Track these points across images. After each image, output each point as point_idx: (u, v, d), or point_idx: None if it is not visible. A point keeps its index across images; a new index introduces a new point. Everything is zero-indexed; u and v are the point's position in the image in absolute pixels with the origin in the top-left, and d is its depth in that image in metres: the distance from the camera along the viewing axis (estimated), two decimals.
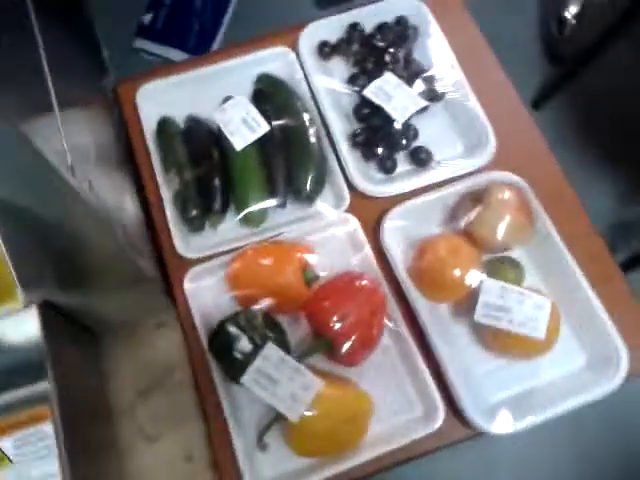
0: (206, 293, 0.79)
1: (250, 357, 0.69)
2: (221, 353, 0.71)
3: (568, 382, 0.74)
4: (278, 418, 0.69)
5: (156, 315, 0.83)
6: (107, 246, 0.62)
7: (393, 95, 0.84)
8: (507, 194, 0.77)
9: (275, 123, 0.84)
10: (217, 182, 0.82)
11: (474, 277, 0.73)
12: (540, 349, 0.72)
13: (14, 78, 0.51)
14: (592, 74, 1.69)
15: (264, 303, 0.73)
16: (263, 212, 0.82)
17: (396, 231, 0.80)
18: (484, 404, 0.73)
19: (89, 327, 0.80)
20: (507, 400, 0.73)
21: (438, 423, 0.71)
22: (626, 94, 1.73)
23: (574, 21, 1.85)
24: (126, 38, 1.83)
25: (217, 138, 0.85)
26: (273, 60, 0.92)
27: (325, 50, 0.92)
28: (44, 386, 0.62)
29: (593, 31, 1.61)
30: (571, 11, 1.87)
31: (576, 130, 1.70)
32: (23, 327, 0.62)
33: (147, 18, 1.85)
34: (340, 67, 0.93)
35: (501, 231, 0.75)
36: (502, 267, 0.76)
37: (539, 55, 1.86)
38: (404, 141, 0.85)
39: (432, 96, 0.87)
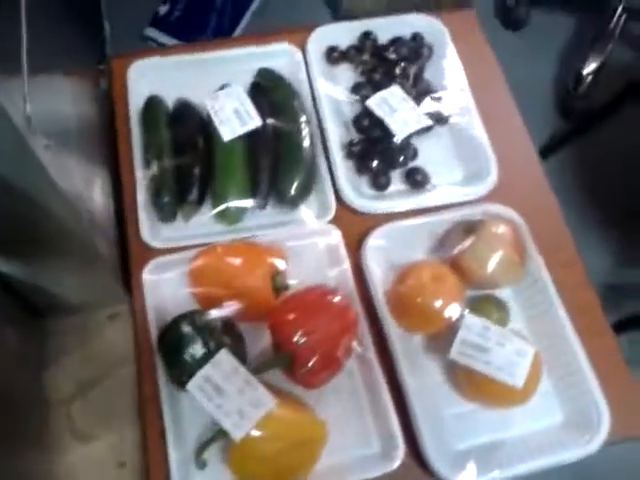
0: (166, 288, 0.73)
1: (200, 362, 0.62)
2: (170, 353, 0.65)
3: (542, 439, 0.67)
4: (222, 434, 0.62)
5: (110, 305, 0.77)
6: (60, 216, 0.57)
7: (397, 109, 0.79)
8: (502, 229, 0.72)
9: (269, 120, 0.79)
10: (197, 171, 0.76)
11: (455, 311, 0.68)
12: (516, 399, 0.66)
13: None
14: (603, 132, 1.67)
15: (226, 306, 0.67)
16: (241, 210, 0.76)
17: (379, 251, 0.75)
18: (448, 451, 0.66)
19: (36, 308, 0.74)
20: (474, 450, 0.67)
21: (396, 464, 0.64)
22: (635, 156, 1.70)
23: (590, 77, 1.83)
24: (138, 25, 1.79)
25: (205, 126, 0.80)
26: (278, 56, 0.88)
27: (334, 54, 0.88)
28: None
29: (607, 91, 1.59)
30: (589, 68, 1.86)
31: (580, 185, 1.67)
32: None
33: (163, 9, 1.81)
34: (346, 74, 0.89)
35: (491, 266, 0.70)
36: (487, 305, 0.71)
37: (553, 107, 1.84)
38: (401, 159, 0.80)
39: (437, 117, 0.83)
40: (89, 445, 0.71)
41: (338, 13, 1.79)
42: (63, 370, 0.74)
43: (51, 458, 0.70)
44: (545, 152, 1.72)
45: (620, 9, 1.72)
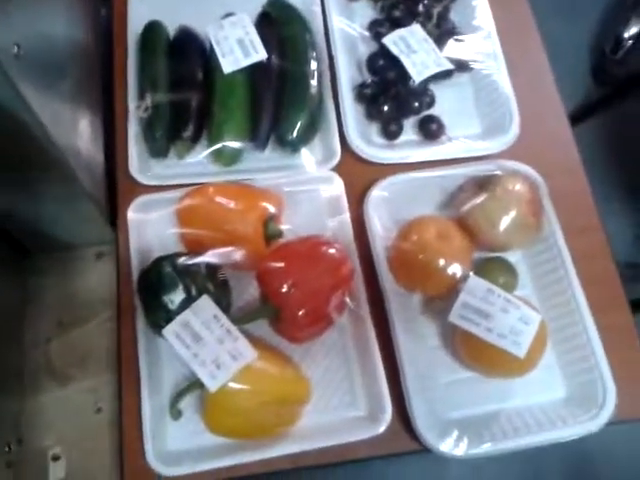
0: (151, 227, 0.68)
1: (180, 307, 0.58)
2: (149, 295, 0.61)
3: (541, 414, 0.63)
4: (197, 385, 0.59)
5: (97, 243, 0.73)
6: (39, 145, 0.52)
7: (416, 49, 0.73)
8: (518, 186, 0.66)
9: (275, 54, 0.73)
10: (194, 105, 0.71)
11: (459, 271, 0.62)
12: (516, 369, 0.62)
13: None
14: (637, 102, 1.58)
15: (213, 251, 0.62)
16: (238, 151, 0.71)
17: (384, 203, 0.69)
18: (438, 419, 0.62)
19: (21, 245, 0.70)
20: (466, 420, 0.63)
21: (382, 428, 0.60)
22: None
23: (630, 42, 1.73)
24: None
25: (206, 56, 0.74)
26: None
27: None
28: None
29: None
30: (630, 31, 1.75)
31: (609, 154, 1.59)
32: None
33: None
34: (365, 9, 0.82)
35: (502, 226, 0.64)
36: (494, 268, 0.66)
37: (587, 70, 1.74)
38: (416, 105, 0.74)
39: (459, 62, 0.76)
40: (66, 388, 0.69)
41: None
42: (44, 309, 0.72)
43: (28, 398, 0.68)
44: (575, 118, 1.63)
45: None
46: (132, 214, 0.68)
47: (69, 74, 0.64)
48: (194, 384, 0.59)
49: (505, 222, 0.64)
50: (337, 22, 0.78)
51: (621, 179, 1.56)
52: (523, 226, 0.65)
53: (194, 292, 0.59)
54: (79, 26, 0.72)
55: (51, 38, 0.61)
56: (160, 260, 0.61)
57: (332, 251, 0.63)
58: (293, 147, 0.72)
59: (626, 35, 1.73)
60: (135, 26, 0.77)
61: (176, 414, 0.61)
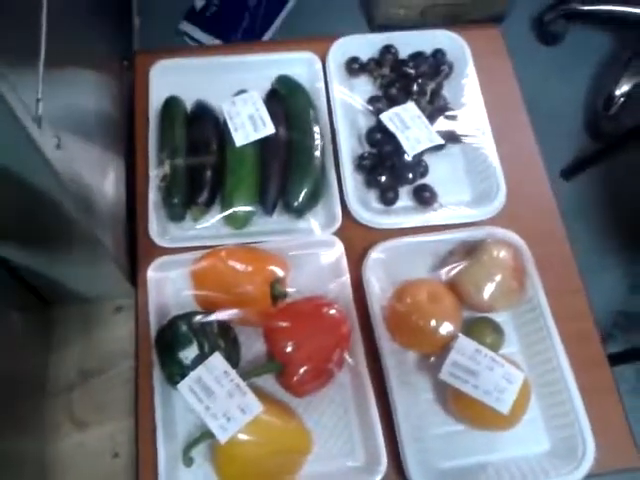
0: (169, 286, 0.75)
1: (194, 363, 0.64)
2: (165, 351, 0.67)
3: (526, 465, 0.68)
4: (209, 435, 0.64)
5: (116, 297, 0.78)
6: (68, 211, 0.58)
7: (410, 125, 0.80)
8: (502, 253, 0.72)
9: (282, 128, 0.80)
10: (208, 174, 0.78)
11: (449, 331, 0.68)
12: (502, 423, 0.67)
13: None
14: (629, 156, 1.64)
15: (224, 310, 0.68)
16: (248, 215, 0.78)
17: (381, 265, 0.75)
18: (431, 469, 0.67)
19: (43, 296, 0.76)
20: (457, 470, 0.68)
21: (377, 478, 0.65)
22: None
23: (622, 99, 1.80)
24: (173, 19, 1.82)
25: (220, 129, 0.81)
26: (299, 64, 0.89)
27: (354, 66, 0.89)
28: None
29: (638, 114, 1.56)
30: (621, 89, 1.83)
31: (600, 209, 1.65)
32: None
33: (200, 3, 1.84)
34: (364, 86, 0.90)
35: (487, 291, 0.70)
36: (482, 328, 0.71)
37: (580, 127, 1.81)
38: (410, 175, 0.80)
39: (450, 136, 0.83)
40: (86, 433, 0.73)
41: (373, 21, 1.80)
42: (66, 358, 0.76)
43: (48, 443, 0.72)
44: (570, 172, 1.70)
45: None
46: (151, 273, 0.74)
47: (97, 146, 0.72)
48: (205, 434, 0.64)
49: (490, 287, 0.70)
50: (339, 97, 0.85)
51: (615, 232, 1.61)
52: (507, 291, 0.71)
53: (207, 349, 0.65)
54: (105, 97, 0.79)
55: (84, 118, 0.68)
56: (176, 319, 0.67)
57: (333, 312, 0.69)
58: (298, 213, 0.78)
59: (617, 92, 1.80)
60: (156, 99, 0.85)
61: (188, 461, 0.66)
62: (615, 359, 0.76)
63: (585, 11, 1.84)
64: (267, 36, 1.83)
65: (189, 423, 0.68)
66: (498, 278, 0.70)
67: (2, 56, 0.44)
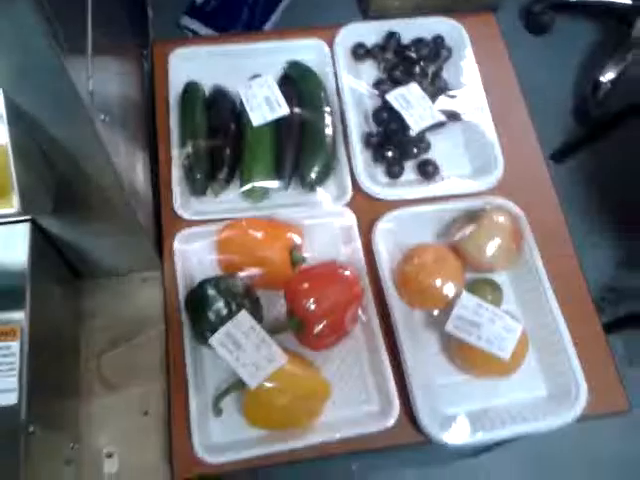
0: (193, 256, 0.81)
1: (223, 320, 0.70)
2: (196, 311, 0.73)
3: (525, 408, 0.74)
4: (237, 386, 0.71)
5: (143, 269, 0.84)
6: (108, 182, 0.64)
7: (413, 104, 0.86)
8: (501, 218, 0.78)
9: (296, 108, 0.87)
10: (227, 152, 0.84)
11: (454, 289, 0.75)
12: (503, 370, 0.74)
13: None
14: (616, 140, 1.71)
15: (247, 272, 0.75)
16: (265, 190, 0.84)
17: (389, 233, 0.82)
18: (439, 414, 0.74)
19: (75, 267, 0.82)
20: (461, 414, 0.74)
21: (391, 421, 0.72)
22: None
23: (608, 86, 1.87)
24: (175, 14, 1.87)
25: (237, 111, 0.88)
26: (308, 50, 0.95)
27: (359, 51, 0.95)
28: (20, 306, 0.64)
29: (625, 99, 1.63)
30: (607, 76, 1.89)
31: (590, 190, 1.71)
32: (11, 243, 0.65)
33: None
34: (370, 70, 0.96)
35: (489, 252, 0.77)
36: (483, 287, 0.78)
37: (569, 113, 1.87)
38: (415, 150, 0.87)
39: (451, 114, 0.90)
40: (116, 394, 0.79)
41: (367, 12, 1.86)
42: (96, 326, 0.82)
43: (82, 404, 0.78)
44: (558, 156, 1.77)
45: None
46: (177, 244, 0.80)
47: (127, 128, 0.78)
48: (234, 385, 0.71)
49: (490, 248, 0.77)
50: (346, 81, 0.92)
51: (601, 213, 1.68)
52: (506, 252, 0.78)
53: (234, 307, 0.71)
54: (128, 83, 0.85)
55: (115, 101, 0.74)
56: (204, 282, 0.73)
57: (346, 273, 0.75)
58: (312, 186, 0.85)
59: (603, 80, 1.87)
60: (175, 85, 0.91)
61: (218, 411, 0.72)
62: (604, 329, 0.82)
63: (571, 2, 1.91)
64: (267, 28, 1.88)
65: (217, 378, 0.75)
66: (498, 240, 0.77)
67: (64, 42, 0.50)
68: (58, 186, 0.62)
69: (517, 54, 1.02)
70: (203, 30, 1.87)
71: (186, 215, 0.82)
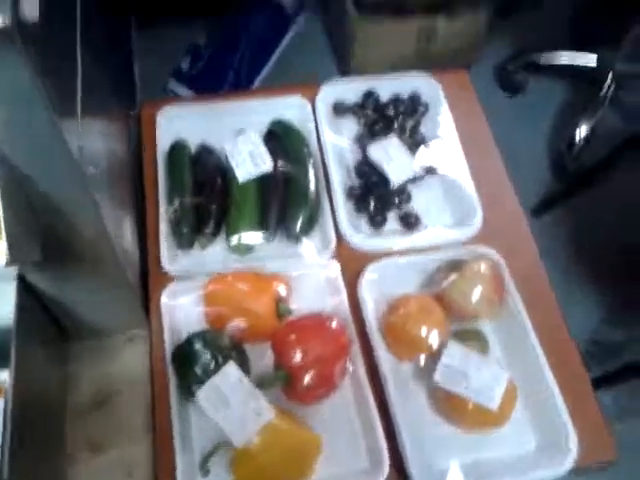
0: (180, 311, 0.81)
1: (210, 373, 0.70)
2: (183, 366, 0.72)
3: (516, 460, 0.74)
4: (224, 444, 0.69)
5: (129, 328, 0.84)
6: (96, 235, 0.65)
7: (393, 157, 0.89)
8: (483, 267, 0.80)
9: (280, 163, 0.89)
10: (214, 207, 0.86)
11: (440, 339, 0.75)
12: (492, 421, 0.73)
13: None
14: (593, 192, 1.75)
15: (234, 326, 0.75)
16: (251, 243, 0.85)
17: (374, 284, 0.83)
18: (430, 468, 0.72)
19: (61, 326, 0.81)
20: (453, 467, 0.73)
21: (381, 478, 0.70)
22: (624, 214, 1.78)
23: (582, 142, 1.93)
24: (161, 78, 1.93)
25: (223, 167, 0.90)
26: (290, 108, 0.98)
27: (339, 108, 0.99)
28: (5, 365, 0.63)
29: (598, 155, 1.69)
30: (581, 132, 1.96)
31: (570, 243, 1.74)
32: None
33: (185, 63, 1.95)
34: (350, 126, 0.99)
35: (471, 300, 0.78)
36: (468, 336, 0.78)
37: (546, 168, 1.92)
38: (396, 201, 0.89)
39: (429, 168, 0.92)
40: (101, 455, 0.77)
41: (347, 71, 1.92)
42: (82, 387, 0.81)
43: (66, 465, 0.76)
44: (538, 210, 1.81)
45: (609, 79, 1.85)
46: (164, 300, 0.80)
47: (115, 183, 0.79)
48: (221, 444, 0.69)
49: (473, 297, 0.78)
50: (328, 136, 0.95)
51: (579, 266, 1.70)
52: (488, 300, 0.79)
53: (221, 360, 0.71)
54: (115, 143, 0.87)
55: (103, 159, 0.76)
56: (192, 337, 0.73)
57: (333, 324, 0.75)
58: (297, 238, 0.86)
59: (577, 136, 1.94)
60: (162, 143, 0.93)
61: (205, 472, 0.70)
62: (592, 383, 0.83)
63: (542, 64, 2.00)
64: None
65: (205, 437, 0.73)
66: (480, 288, 0.78)
67: (55, 99, 0.52)
68: (46, 238, 0.62)
69: (492, 111, 1.07)
70: (188, 94, 1.92)
71: (173, 270, 0.82)
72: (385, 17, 1.73)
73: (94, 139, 0.71)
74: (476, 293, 0.78)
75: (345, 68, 1.92)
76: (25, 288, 0.68)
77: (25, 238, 0.58)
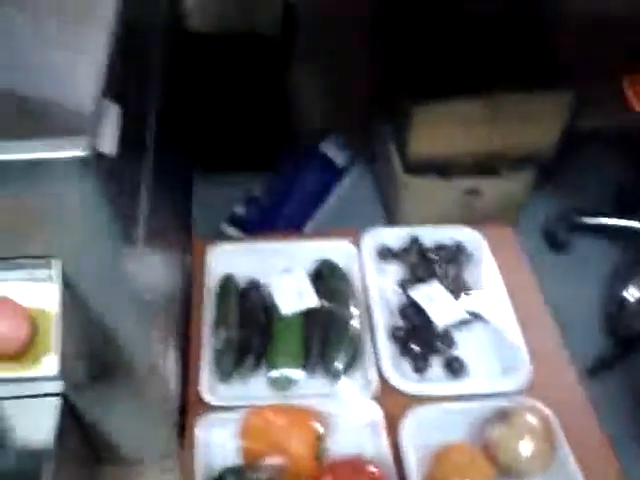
0: (216, 442, 0.78)
1: None
2: None
3: None
4: None
5: (163, 457, 0.82)
6: (141, 359, 0.67)
7: (436, 301, 0.90)
8: (532, 419, 0.76)
9: (324, 301, 0.91)
10: (256, 341, 0.87)
11: None
12: None
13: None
14: None
15: (270, 461, 0.72)
16: (291, 378, 0.84)
17: (416, 430, 0.79)
18: None
19: (97, 450, 0.80)
20: None
21: None
22: None
23: (633, 305, 1.88)
24: (214, 219, 2.03)
25: (268, 302, 0.92)
26: (335, 250, 1.02)
27: (385, 253, 1.02)
28: None
29: None
30: (632, 293, 1.92)
31: (624, 403, 1.65)
32: (40, 417, 0.65)
33: (239, 209, 2.07)
34: (395, 269, 1.02)
35: (520, 456, 0.74)
36: None
37: (596, 327, 1.86)
38: (441, 346, 0.88)
39: (475, 313, 0.92)
40: None
41: (394, 219, 1.99)
42: None
43: None
44: (592, 370, 1.73)
45: None
46: (200, 430, 0.78)
47: (165, 311, 0.82)
48: None
49: (523, 452, 0.74)
50: (372, 279, 0.97)
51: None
52: (538, 455, 0.74)
53: None
54: (173, 273, 0.91)
55: (161, 284, 0.80)
56: (226, 472, 0.71)
57: (373, 470, 0.72)
58: (338, 376, 0.85)
59: (628, 297, 1.89)
60: (212, 277, 0.97)
61: None
62: None
63: (587, 224, 2.03)
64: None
65: None
66: (529, 444, 0.74)
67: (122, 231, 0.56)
68: (92, 359, 0.64)
69: (538, 268, 1.07)
70: (240, 236, 2.02)
71: (212, 400, 0.82)
72: (431, 176, 1.82)
73: (151, 267, 0.75)
74: (525, 448, 0.74)
75: (392, 219, 2.00)
76: (67, 407, 0.68)
77: (75, 358, 0.60)
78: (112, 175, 0.52)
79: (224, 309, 0.91)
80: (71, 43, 0.55)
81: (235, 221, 2.06)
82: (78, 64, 0.53)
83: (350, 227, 1.09)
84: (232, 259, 1.00)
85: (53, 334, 0.53)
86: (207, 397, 0.82)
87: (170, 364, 0.82)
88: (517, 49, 1.68)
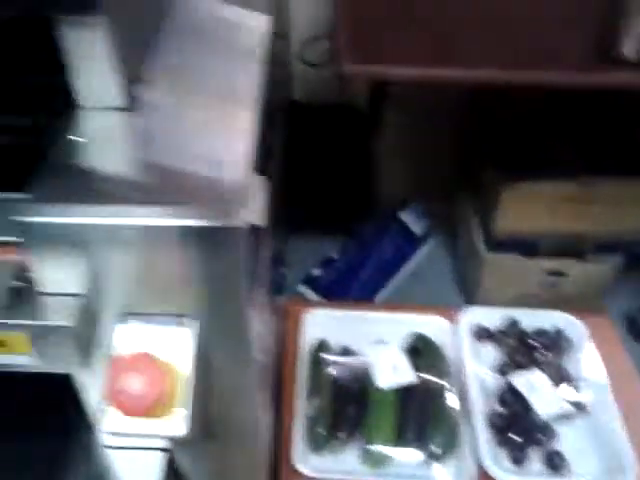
0: None
1: None
2: None
3: None
4: None
5: None
6: (245, 420, 0.67)
7: (539, 390, 0.87)
8: None
9: (420, 377, 0.89)
10: (351, 412, 0.86)
11: None
12: None
13: None
14: None
15: None
16: (384, 455, 0.82)
17: None
18: None
19: None
20: None
21: None
22: None
23: None
24: (291, 279, 2.06)
25: (363, 373, 0.91)
26: (427, 324, 1.01)
27: (481, 333, 1.00)
28: None
29: None
30: None
31: None
32: (142, 469, 0.65)
33: (317, 271, 2.09)
34: (491, 351, 0.99)
35: None
36: None
37: None
38: (541, 438, 0.84)
39: (576, 405, 0.88)
40: None
41: (471, 296, 1.96)
42: None
43: None
44: None
45: None
46: None
47: (265, 374, 0.82)
48: None
49: None
50: (469, 359, 0.95)
51: None
52: None
53: None
54: (270, 335, 0.92)
55: (263, 349, 0.80)
56: None
57: None
58: (435, 458, 0.83)
59: None
60: (305, 342, 0.97)
61: None
62: None
63: None
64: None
65: None
66: None
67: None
68: (203, 417, 0.64)
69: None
70: (315, 299, 2.03)
71: (303, 469, 0.81)
72: (515, 255, 1.80)
73: (262, 328, 0.76)
74: None
75: (469, 295, 1.97)
76: (169, 462, 0.68)
77: (195, 416, 0.61)
78: (255, 244, 0.54)
79: (317, 375, 0.91)
80: (225, 122, 0.59)
81: (310, 282, 2.08)
82: (232, 142, 0.56)
83: (433, 302, 1.08)
84: (323, 325, 1.01)
85: (185, 393, 0.54)
86: (298, 465, 0.81)
87: (266, 429, 0.82)
88: (614, 132, 1.66)
